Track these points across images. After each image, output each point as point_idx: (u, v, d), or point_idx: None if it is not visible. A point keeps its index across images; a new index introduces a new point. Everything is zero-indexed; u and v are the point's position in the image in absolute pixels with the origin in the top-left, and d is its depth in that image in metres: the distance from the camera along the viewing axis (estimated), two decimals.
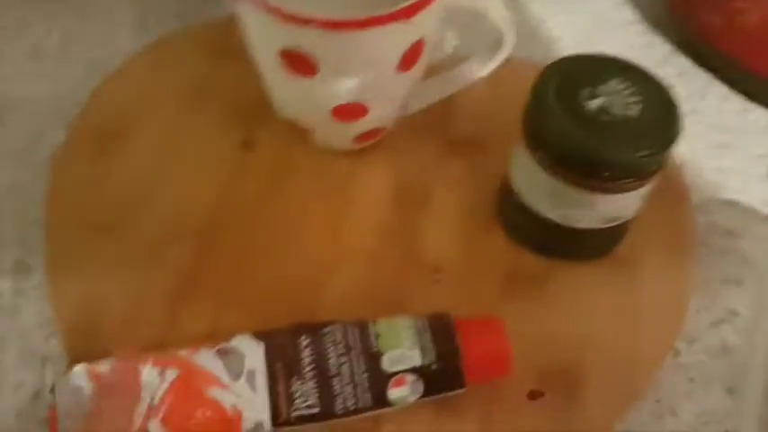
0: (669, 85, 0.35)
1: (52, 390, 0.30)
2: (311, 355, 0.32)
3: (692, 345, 0.38)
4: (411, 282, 0.38)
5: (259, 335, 0.32)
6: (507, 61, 0.41)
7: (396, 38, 0.35)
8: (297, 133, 0.42)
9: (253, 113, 0.44)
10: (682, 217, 0.42)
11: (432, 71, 0.41)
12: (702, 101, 0.49)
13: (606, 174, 0.33)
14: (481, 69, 0.41)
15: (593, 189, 0.34)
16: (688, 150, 0.46)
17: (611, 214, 0.36)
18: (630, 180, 0.34)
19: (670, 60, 0.51)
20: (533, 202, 0.37)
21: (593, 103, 0.34)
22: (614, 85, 0.35)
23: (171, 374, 0.30)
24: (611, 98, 0.34)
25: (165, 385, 0.30)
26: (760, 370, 0.35)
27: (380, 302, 0.37)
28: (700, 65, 0.51)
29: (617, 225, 0.37)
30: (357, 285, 0.38)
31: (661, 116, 0.34)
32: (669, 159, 0.35)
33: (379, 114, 0.40)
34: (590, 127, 0.33)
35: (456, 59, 0.42)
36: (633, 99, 0.34)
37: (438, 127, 0.45)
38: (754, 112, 0.49)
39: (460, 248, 0.40)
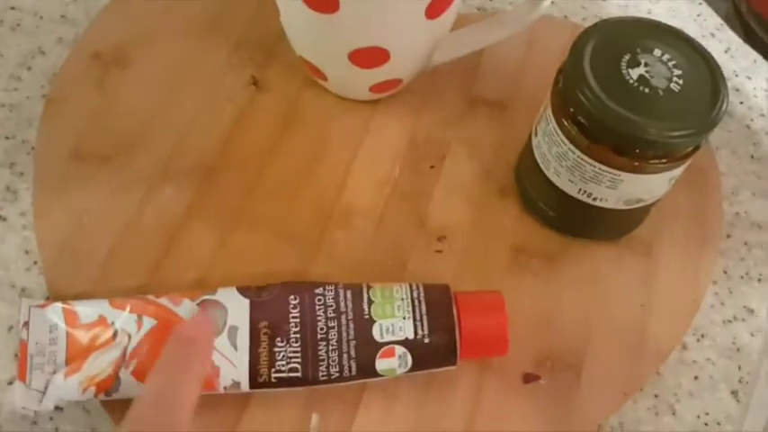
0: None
1: (25, 324, 0.29)
2: (299, 316, 0.30)
3: (701, 341, 0.36)
4: (414, 247, 0.36)
5: (246, 290, 0.31)
6: (542, 19, 0.38)
7: None
8: (311, 76, 0.40)
9: (266, 50, 0.42)
10: (709, 204, 0.39)
11: (461, 22, 0.38)
12: (748, 81, 0.46)
13: (636, 152, 0.31)
14: (515, 24, 0.37)
15: (620, 167, 0.32)
16: (724, 133, 0.43)
17: (635, 196, 0.33)
18: (661, 161, 0.31)
19: (718, 34, 0.48)
20: (553, 174, 0.34)
21: (633, 72, 0.31)
22: (659, 53, 0.32)
23: (148, 323, 0.29)
24: (654, 68, 0.32)
25: (142, 334, 0.29)
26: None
27: (379, 266, 0.36)
28: (749, 42, 0.48)
29: (639, 207, 0.35)
30: (357, 245, 0.36)
31: (705, 94, 0.31)
32: (705, 142, 0.32)
33: (401, 64, 0.37)
34: (625, 98, 0.30)
35: (489, 12, 0.39)
36: (677, 71, 0.32)
37: (462, 83, 0.42)
38: None
39: (470, 215, 0.38)
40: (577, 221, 0.36)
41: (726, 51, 0.47)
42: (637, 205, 0.34)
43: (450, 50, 0.38)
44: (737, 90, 0.45)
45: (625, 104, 0.30)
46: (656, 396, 0.34)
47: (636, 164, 0.31)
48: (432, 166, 0.39)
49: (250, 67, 0.41)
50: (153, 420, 0.24)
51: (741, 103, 0.44)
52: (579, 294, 0.36)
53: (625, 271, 0.37)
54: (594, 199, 0.34)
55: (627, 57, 0.32)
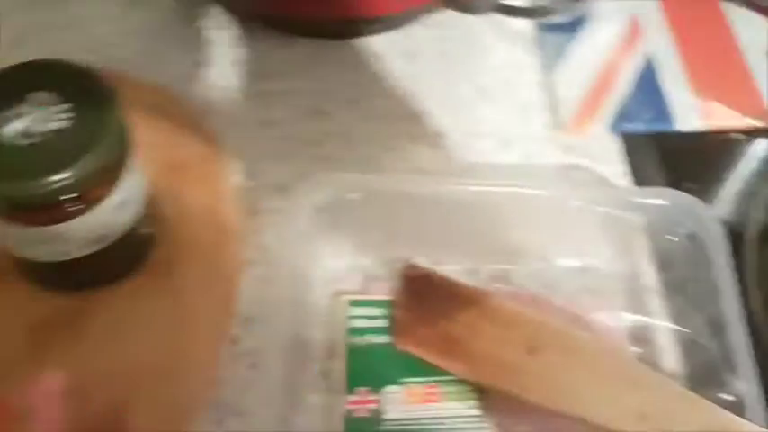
0: (107, 84, 0.31)
1: None
2: None
3: (251, 327, 0.36)
4: None
5: None
6: None
7: None
8: None
9: None
10: (219, 190, 0.39)
11: None
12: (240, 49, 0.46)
13: (42, 206, 0.29)
14: None
15: (45, 223, 0.30)
16: (231, 104, 0.43)
17: (93, 235, 0.32)
18: (78, 205, 0.30)
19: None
20: (16, 248, 0.32)
21: (12, 127, 0.29)
22: (41, 98, 0.30)
23: None
24: (34, 116, 0.29)
25: None
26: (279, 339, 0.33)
27: None
28: None
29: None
30: None
31: (86, 129, 0.29)
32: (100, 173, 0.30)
33: None
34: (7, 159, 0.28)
35: None
36: (61, 113, 0.30)
37: None
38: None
39: None
40: (73, 278, 0.35)
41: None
42: (108, 241, 0.33)
43: None
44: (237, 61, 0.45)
45: (7, 167, 0.28)
46: (219, 404, 0.34)
47: (55, 215, 0.30)
48: None
49: None
50: None
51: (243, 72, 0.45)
52: (117, 345, 0.34)
53: (153, 299, 0.36)
54: (61, 254, 0.32)
55: (8, 111, 0.30)
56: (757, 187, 0.45)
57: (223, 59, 0.45)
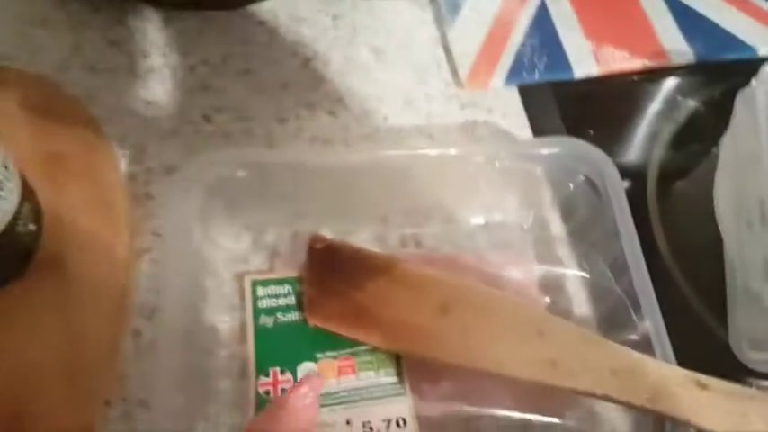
0: None
1: None
2: None
3: (153, 317, 0.35)
4: None
5: None
6: None
7: None
8: None
9: None
10: (107, 184, 0.37)
11: None
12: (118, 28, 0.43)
13: None
14: None
15: None
16: (113, 86, 0.41)
17: None
18: None
19: None
20: None
21: None
22: None
23: None
24: None
25: None
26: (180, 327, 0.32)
27: None
28: None
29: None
30: None
31: None
32: None
33: None
34: None
35: None
36: None
37: None
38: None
39: None
40: None
41: None
42: None
43: None
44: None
45: None
46: (124, 400, 0.33)
47: None
48: None
49: None
50: None
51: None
52: (4, 350, 0.32)
53: (41, 297, 0.33)
54: None
55: None
56: (659, 127, 0.46)
57: (101, 42, 0.42)
